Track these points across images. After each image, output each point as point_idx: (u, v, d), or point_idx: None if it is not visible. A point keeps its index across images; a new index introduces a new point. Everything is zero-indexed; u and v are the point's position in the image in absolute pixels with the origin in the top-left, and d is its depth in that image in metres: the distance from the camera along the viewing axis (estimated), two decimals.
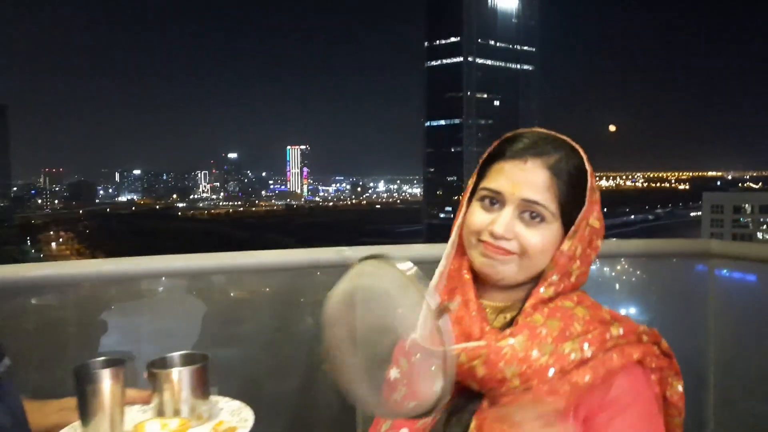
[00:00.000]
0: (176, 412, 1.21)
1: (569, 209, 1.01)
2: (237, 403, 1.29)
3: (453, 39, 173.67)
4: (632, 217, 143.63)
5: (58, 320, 2.08)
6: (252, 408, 1.21)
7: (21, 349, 1.46)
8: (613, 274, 2.58)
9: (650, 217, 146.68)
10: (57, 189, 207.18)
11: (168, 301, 2.31)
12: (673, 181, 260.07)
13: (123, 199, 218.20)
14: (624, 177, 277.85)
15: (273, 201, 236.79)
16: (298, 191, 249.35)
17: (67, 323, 2.10)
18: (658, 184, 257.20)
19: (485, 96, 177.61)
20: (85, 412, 1.16)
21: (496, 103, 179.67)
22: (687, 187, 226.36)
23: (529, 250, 1.01)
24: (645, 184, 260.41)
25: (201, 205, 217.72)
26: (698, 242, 2.44)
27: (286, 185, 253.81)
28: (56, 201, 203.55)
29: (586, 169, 1.03)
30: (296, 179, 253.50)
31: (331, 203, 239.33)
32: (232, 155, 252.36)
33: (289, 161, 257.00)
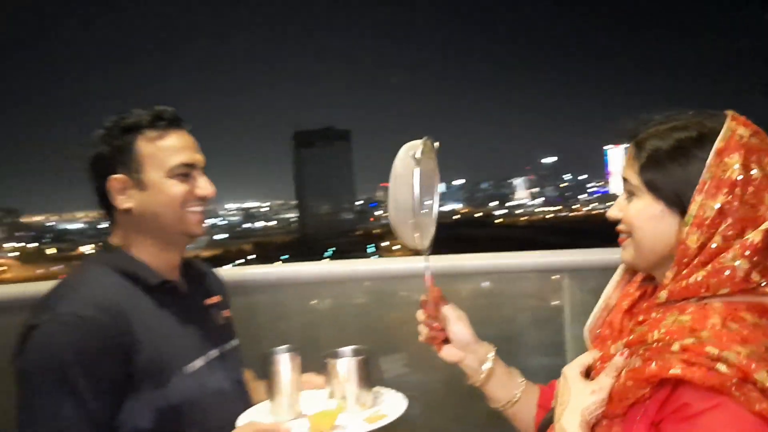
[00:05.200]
0: (343, 398, 1.34)
1: (668, 186, 0.96)
2: (394, 393, 1.41)
3: None
4: None
5: (282, 314, 2.43)
6: (414, 401, 1.32)
7: (250, 335, 1.68)
8: None
9: None
10: None
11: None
12: None
13: (446, 208, 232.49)
14: None
15: (593, 205, 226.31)
16: (619, 194, 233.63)
17: (290, 318, 2.42)
18: None
19: None
20: (269, 390, 1.36)
21: None
22: None
23: (632, 227, 1.04)
24: None
25: (519, 211, 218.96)
26: None
27: (606, 188, 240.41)
28: None
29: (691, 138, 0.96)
30: (616, 181, 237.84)
31: None
32: (549, 159, 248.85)
33: (607, 163, 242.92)
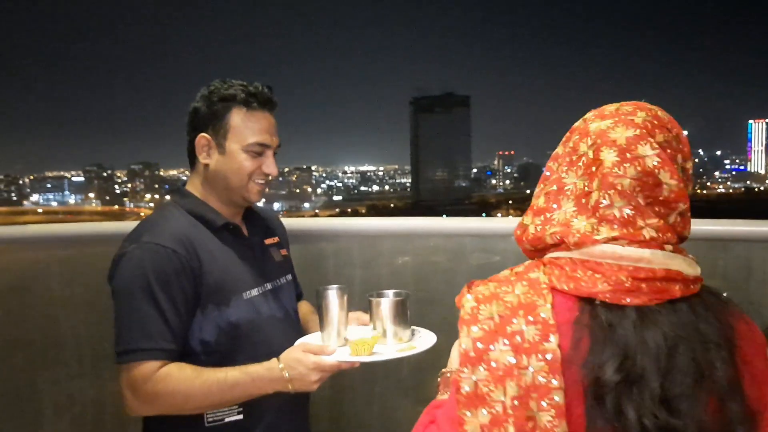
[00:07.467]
0: (384, 333, 1.51)
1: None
2: (428, 332, 1.58)
3: None
4: None
5: (346, 263, 2.66)
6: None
7: (318, 277, 1.88)
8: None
9: None
10: (508, 170, 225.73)
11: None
12: None
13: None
14: None
15: (728, 183, 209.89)
16: (762, 172, 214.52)
17: (354, 266, 2.65)
18: None
19: None
20: (320, 322, 1.56)
21: None
22: None
23: None
24: None
25: None
26: None
27: (746, 165, 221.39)
28: (507, 181, 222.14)
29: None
30: (759, 158, 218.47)
31: None
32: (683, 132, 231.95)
33: (750, 138, 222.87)
